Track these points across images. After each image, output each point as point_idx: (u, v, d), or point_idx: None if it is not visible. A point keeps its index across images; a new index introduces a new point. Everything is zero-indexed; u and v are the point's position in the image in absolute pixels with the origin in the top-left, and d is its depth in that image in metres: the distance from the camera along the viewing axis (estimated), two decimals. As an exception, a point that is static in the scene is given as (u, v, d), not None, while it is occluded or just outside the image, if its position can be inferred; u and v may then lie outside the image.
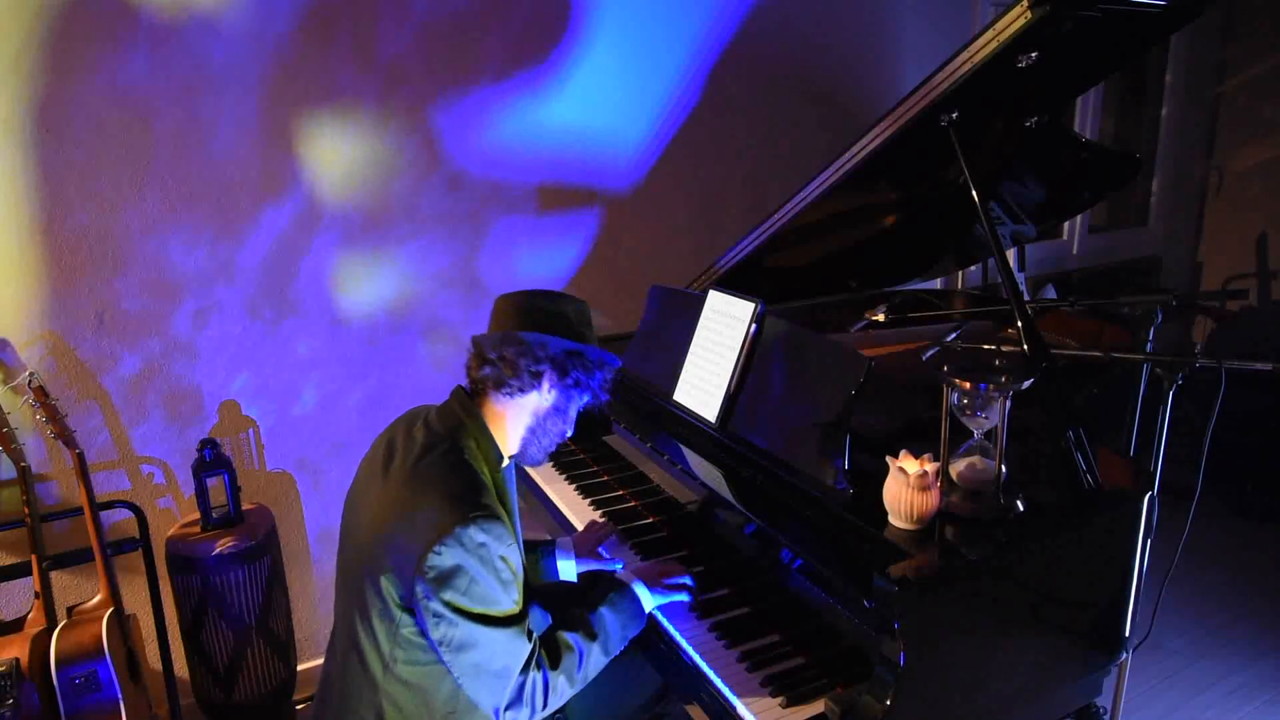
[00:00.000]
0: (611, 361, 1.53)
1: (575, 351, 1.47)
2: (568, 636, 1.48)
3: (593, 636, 1.49)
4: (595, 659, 1.49)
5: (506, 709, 1.39)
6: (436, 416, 1.51)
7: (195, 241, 2.20)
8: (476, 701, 1.40)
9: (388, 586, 1.39)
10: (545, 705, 1.42)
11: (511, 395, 1.48)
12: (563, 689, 1.44)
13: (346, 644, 1.49)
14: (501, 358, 1.46)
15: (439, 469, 1.42)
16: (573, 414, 1.55)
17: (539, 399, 1.50)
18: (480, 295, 2.61)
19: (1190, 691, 2.51)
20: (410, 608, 1.38)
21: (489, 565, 1.33)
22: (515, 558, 1.38)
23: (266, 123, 2.20)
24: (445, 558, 1.31)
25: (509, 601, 1.37)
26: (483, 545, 1.32)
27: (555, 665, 1.44)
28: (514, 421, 1.51)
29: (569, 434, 1.58)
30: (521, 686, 1.39)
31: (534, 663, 1.41)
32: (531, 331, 1.46)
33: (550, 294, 1.53)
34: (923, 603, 1.21)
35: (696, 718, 1.47)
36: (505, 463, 1.54)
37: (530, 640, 1.40)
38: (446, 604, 1.32)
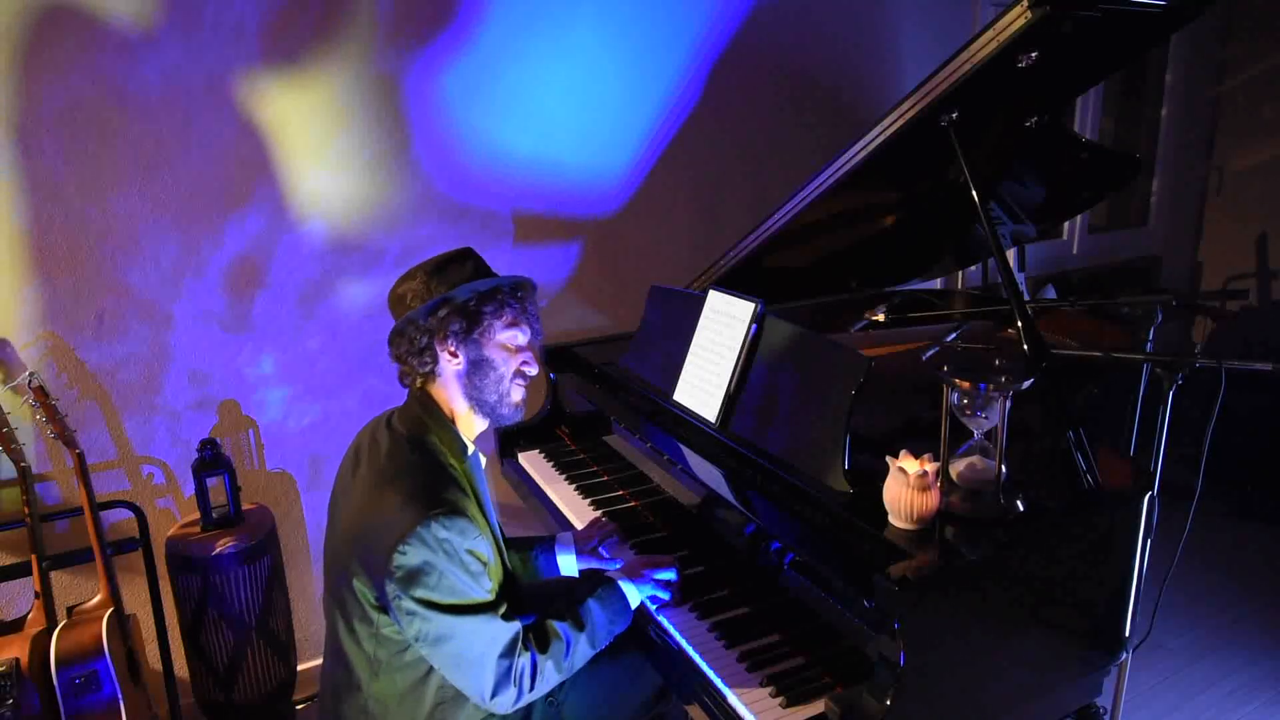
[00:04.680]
0: (493, 281, 1.50)
1: (437, 307, 1.46)
2: (557, 625, 1.50)
3: (580, 627, 1.51)
4: (582, 650, 1.51)
5: (493, 695, 1.40)
6: (399, 419, 1.54)
7: (196, 242, 2.20)
8: (462, 690, 1.43)
9: (361, 589, 1.42)
10: (532, 688, 1.44)
11: (430, 378, 1.51)
12: (550, 674, 1.46)
13: (334, 651, 1.53)
14: (397, 357, 1.51)
15: (401, 469, 1.44)
16: (495, 354, 1.51)
17: (452, 365, 1.50)
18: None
19: (1190, 691, 2.51)
20: (384, 608, 1.40)
21: (455, 559, 1.35)
22: (483, 548, 1.40)
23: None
24: (410, 557, 1.33)
25: (480, 591, 1.38)
26: (446, 540, 1.34)
27: (544, 650, 1.46)
28: (455, 399, 1.53)
29: (532, 371, 1.55)
30: (508, 670, 1.40)
31: (520, 646, 1.43)
32: (399, 321, 1.48)
33: (402, 281, 1.51)
34: (923, 603, 1.21)
35: (696, 718, 1.47)
36: (470, 450, 1.56)
37: (508, 624, 1.41)
38: (418, 601, 1.34)
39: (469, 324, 1.47)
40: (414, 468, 1.44)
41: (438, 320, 1.46)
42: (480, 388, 1.51)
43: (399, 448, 1.47)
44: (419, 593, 1.34)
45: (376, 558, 1.36)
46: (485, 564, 1.41)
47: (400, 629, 1.40)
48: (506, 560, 1.58)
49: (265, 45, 2.15)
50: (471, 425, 1.57)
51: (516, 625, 1.43)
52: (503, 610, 1.42)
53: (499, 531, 1.60)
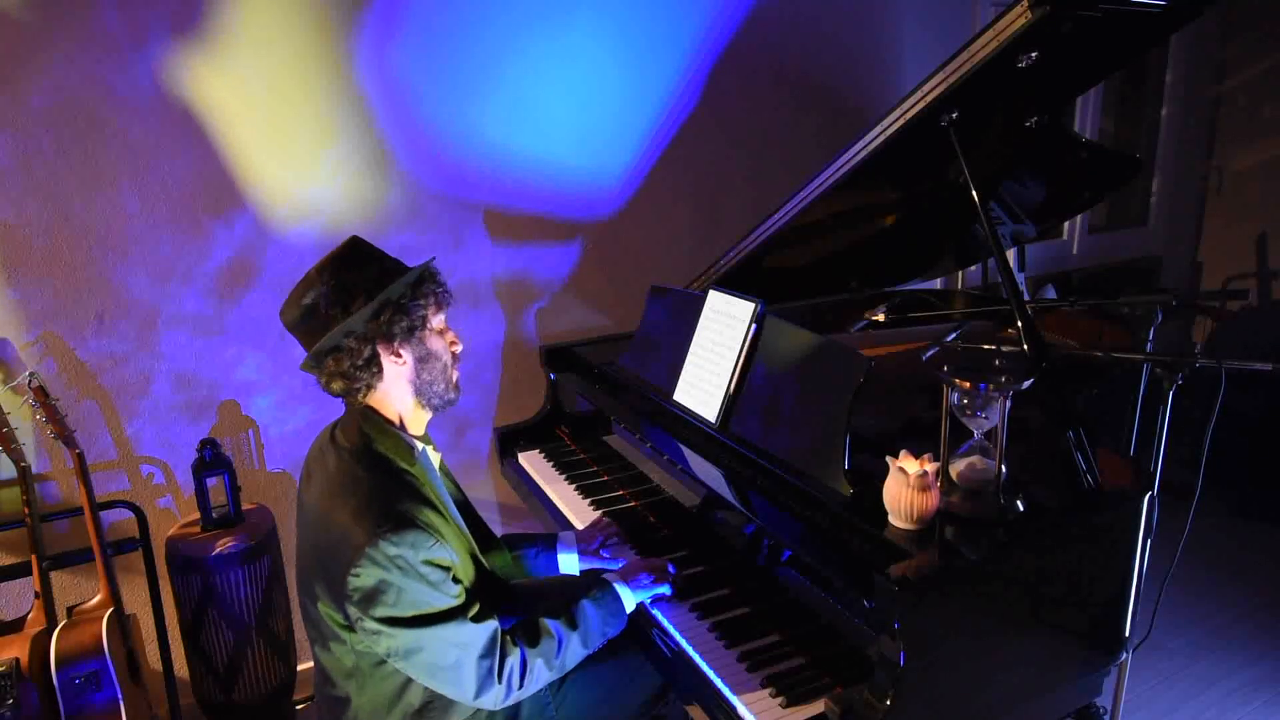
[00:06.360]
0: (417, 269, 1.45)
1: (378, 310, 1.40)
2: (549, 623, 1.49)
3: (573, 626, 1.50)
4: (574, 649, 1.49)
5: (477, 695, 1.38)
6: (342, 434, 1.49)
7: (194, 242, 2.20)
8: (446, 695, 1.41)
9: (327, 612, 1.40)
10: (522, 685, 1.42)
11: (375, 386, 1.45)
12: (540, 672, 1.44)
13: (319, 669, 1.52)
14: (334, 375, 1.42)
15: (347, 484, 1.40)
16: (435, 344, 1.48)
17: (397, 368, 1.45)
18: (478, 298, 2.61)
19: (1190, 691, 2.51)
20: (351, 628, 1.38)
21: (411, 574, 1.31)
22: (442, 553, 1.35)
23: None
24: (364, 578, 1.30)
25: (445, 598, 1.35)
26: (398, 557, 1.30)
27: (534, 646, 1.44)
28: (400, 400, 1.48)
29: (459, 349, 1.54)
30: (490, 669, 1.38)
31: (503, 644, 1.41)
32: (325, 336, 1.39)
33: (301, 288, 1.42)
34: (923, 603, 1.21)
35: (696, 718, 1.47)
36: (419, 448, 1.52)
37: (481, 624, 1.38)
38: (380, 619, 1.32)
39: (410, 322, 1.43)
40: (360, 481, 1.39)
41: (379, 326, 1.40)
42: (430, 380, 1.49)
43: (344, 462, 1.43)
44: (379, 612, 1.31)
45: (334, 581, 1.34)
46: (448, 569, 1.36)
47: (370, 647, 1.39)
48: (480, 557, 1.54)
49: (260, 50, 2.15)
50: (420, 420, 1.54)
51: (492, 624, 1.39)
52: (474, 612, 1.38)
53: (465, 526, 1.55)
